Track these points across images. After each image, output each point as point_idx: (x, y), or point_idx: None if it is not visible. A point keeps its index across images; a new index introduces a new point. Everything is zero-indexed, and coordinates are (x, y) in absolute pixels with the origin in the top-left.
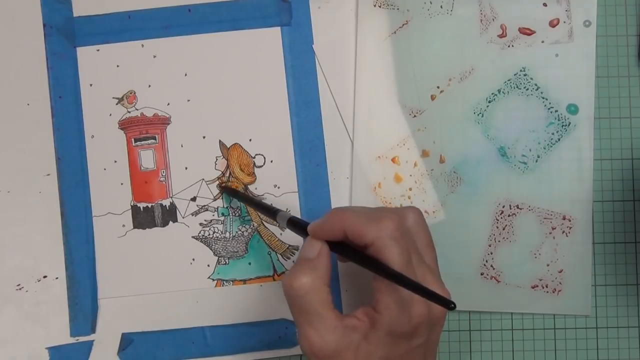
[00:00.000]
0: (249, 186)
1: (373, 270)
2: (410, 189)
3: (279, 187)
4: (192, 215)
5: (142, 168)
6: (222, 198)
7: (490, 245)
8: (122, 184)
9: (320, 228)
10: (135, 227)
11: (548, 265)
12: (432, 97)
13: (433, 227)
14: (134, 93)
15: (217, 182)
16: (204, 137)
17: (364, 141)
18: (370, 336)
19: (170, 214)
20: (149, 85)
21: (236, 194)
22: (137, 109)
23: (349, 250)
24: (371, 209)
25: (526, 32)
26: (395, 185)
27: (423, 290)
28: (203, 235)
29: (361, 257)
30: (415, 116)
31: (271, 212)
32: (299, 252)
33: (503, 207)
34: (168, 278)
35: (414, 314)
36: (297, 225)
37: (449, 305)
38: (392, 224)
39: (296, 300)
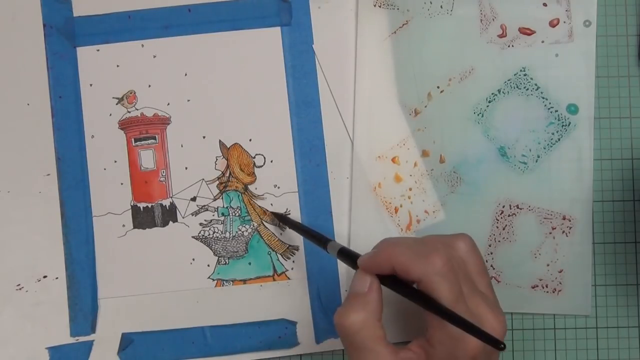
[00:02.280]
0: (249, 186)
1: (423, 307)
2: (410, 189)
3: (279, 187)
4: (192, 215)
5: (142, 168)
6: (222, 198)
7: (490, 245)
8: (122, 184)
9: (370, 262)
10: (135, 227)
11: (548, 265)
12: (432, 97)
13: (433, 227)
14: (134, 93)
15: (218, 182)
16: (204, 137)
17: (364, 141)
18: None
19: (170, 214)
20: (149, 85)
21: (286, 220)
22: (137, 109)
23: (399, 284)
24: (419, 241)
25: (526, 32)
26: (395, 185)
27: (472, 329)
28: (203, 235)
29: (411, 293)
30: (415, 116)
31: (322, 242)
32: (350, 286)
33: (503, 207)
34: (168, 278)
35: (468, 347)
36: (348, 257)
37: (498, 345)
38: (439, 259)
39: (348, 338)
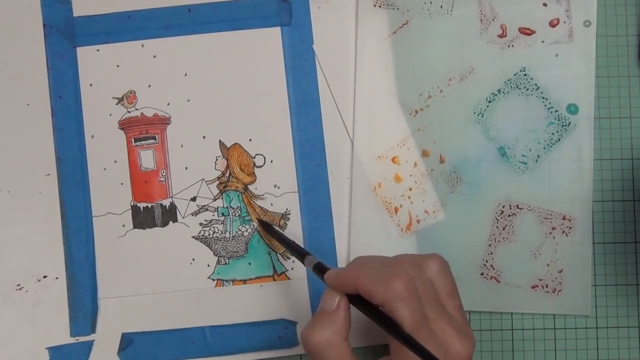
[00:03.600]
0: (249, 186)
1: (386, 330)
2: (410, 189)
3: (279, 187)
4: (192, 215)
5: (142, 168)
6: (222, 198)
7: (490, 245)
8: (122, 184)
9: (336, 280)
10: (135, 227)
11: (548, 265)
12: (432, 97)
13: (433, 227)
14: (134, 93)
15: (218, 182)
16: (204, 137)
17: (364, 141)
18: None
19: (170, 214)
20: (149, 85)
21: (269, 228)
22: (137, 109)
23: (364, 305)
24: (386, 263)
25: (526, 32)
26: (395, 185)
27: (428, 356)
28: (203, 235)
29: (375, 315)
30: (415, 116)
31: (300, 255)
32: (320, 302)
33: (503, 207)
34: (168, 278)
35: None
36: (321, 273)
37: None
38: (400, 284)
39: (315, 356)
